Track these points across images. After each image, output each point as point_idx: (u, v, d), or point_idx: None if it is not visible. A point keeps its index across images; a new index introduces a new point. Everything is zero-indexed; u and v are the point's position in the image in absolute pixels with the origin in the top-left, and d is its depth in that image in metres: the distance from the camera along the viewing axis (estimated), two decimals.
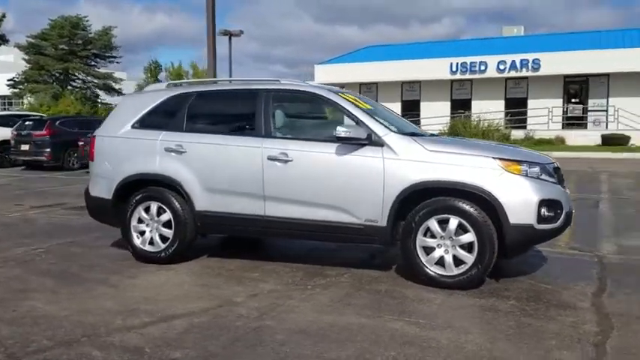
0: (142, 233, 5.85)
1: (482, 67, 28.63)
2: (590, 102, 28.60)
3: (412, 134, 5.42)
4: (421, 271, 4.92)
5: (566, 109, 28.91)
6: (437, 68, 29.33)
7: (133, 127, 5.99)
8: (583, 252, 6.32)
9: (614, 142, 24.82)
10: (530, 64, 27.81)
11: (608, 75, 27.74)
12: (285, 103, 5.74)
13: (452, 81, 30.15)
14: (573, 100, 29.13)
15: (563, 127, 28.08)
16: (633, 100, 27.53)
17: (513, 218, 4.68)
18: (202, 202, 5.58)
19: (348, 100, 5.43)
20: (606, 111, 28.10)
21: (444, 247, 4.87)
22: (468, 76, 29.16)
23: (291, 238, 6.16)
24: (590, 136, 26.30)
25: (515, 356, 3.50)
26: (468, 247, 4.80)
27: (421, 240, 4.92)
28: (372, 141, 5.06)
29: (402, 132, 5.32)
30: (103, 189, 6.01)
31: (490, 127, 24.20)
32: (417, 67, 29.65)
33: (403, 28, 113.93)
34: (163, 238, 5.77)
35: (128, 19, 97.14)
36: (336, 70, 32.01)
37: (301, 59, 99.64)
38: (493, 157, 4.84)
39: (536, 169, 4.86)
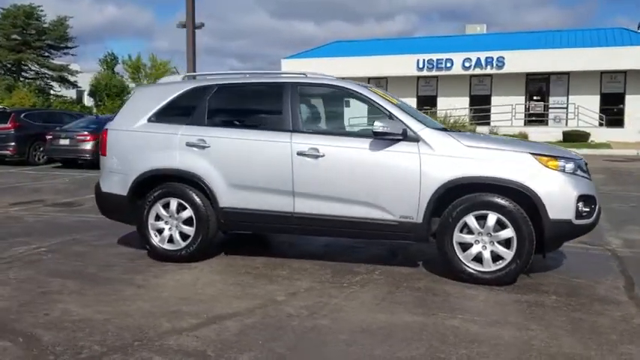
0: (160, 231, 5.62)
1: (449, 64, 29.06)
2: (551, 99, 29.47)
3: (443, 130, 5.39)
4: (458, 268, 4.90)
5: (529, 106, 29.67)
6: (404, 64, 29.60)
7: (149, 120, 5.74)
8: (594, 246, 6.45)
9: (574, 138, 25.64)
10: (494, 62, 28.41)
11: (568, 73, 28.62)
12: (313, 97, 5.63)
13: (418, 77, 30.51)
14: (535, 98, 29.93)
15: (525, 124, 28.85)
16: (591, 97, 28.54)
17: (553, 214, 4.71)
18: (227, 198, 5.40)
19: (378, 95, 5.35)
20: (566, 108, 29.00)
21: (482, 243, 4.86)
22: (434, 72, 29.55)
23: (320, 236, 6.05)
24: (551, 132, 27.05)
25: (585, 352, 3.50)
26: (506, 243, 4.81)
27: (458, 236, 4.90)
28: (407, 136, 5.00)
29: (434, 127, 5.29)
30: (117, 185, 5.74)
31: (456, 123, 24.59)
32: (384, 63, 29.84)
33: (358, 25, 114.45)
34: (184, 236, 5.56)
35: (79, 10, 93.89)
36: (303, 65, 31.72)
37: (256, 53, 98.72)
38: (531, 153, 4.86)
39: (572, 164, 4.91)
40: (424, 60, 29.38)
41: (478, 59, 28.50)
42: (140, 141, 5.70)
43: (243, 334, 3.76)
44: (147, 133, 5.69)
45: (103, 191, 5.88)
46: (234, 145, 5.42)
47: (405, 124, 5.03)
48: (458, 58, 28.81)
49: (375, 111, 5.32)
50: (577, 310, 4.27)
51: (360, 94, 5.33)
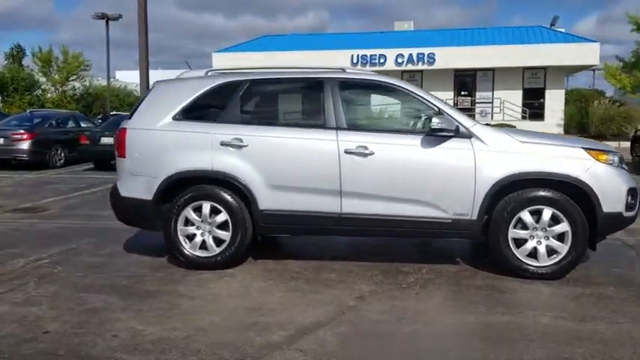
0: (190, 237, 5.24)
1: (382, 60, 29.50)
2: (478, 94, 30.67)
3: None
4: (514, 263, 4.91)
5: (457, 100, 30.70)
6: (339, 60, 29.62)
7: (174, 118, 5.32)
8: None
9: None
10: (425, 58, 29.16)
11: (493, 70, 29.89)
12: (355, 93, 5.42)
13: None
14: (463, 93, 31.04)
15: None
16: (514, 92, 30.00)
17: (606, 207, 4.82)
18: (267, 200, 5.11)
19: (425, 92, 5.26)
20: (492, 103, 30.29)
21: (537, 238, 4.90)
22: (368, 68, 29.82)
23: (366, 236, 5.88)
24: None
25: None
26: (558, 237, 4.88)
27: (513, 232, 4.91)
28: (459, 132, 4.94)
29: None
30: (140, 188, 5.29)
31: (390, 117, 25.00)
32: (320, 58, 29.70)
33: (271, 20, 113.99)
34: (217, 242, 5.22)
35: None
36: (235, 59, 31.11)
37: (166, 45, 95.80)
38: (583, 148, 4.95)
39: (617, 158, 5.04)
40: (358, 55, 29.63)
41: (410, 55, 29.13)
42: (166, 141, 5.27)
43: (344, 345, 3.56)
44: (174, 132, 5.27)
45: (123, 196, 5.39)
46: (276, 144, 5.13)
47: (456, 120, 4.96)
48: (391, 54, 29.31)
49: (412, 107, 5.24)
50: None
51: (407, 89, 5.20)
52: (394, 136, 5.08)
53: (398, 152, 5.00)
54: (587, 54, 28.68)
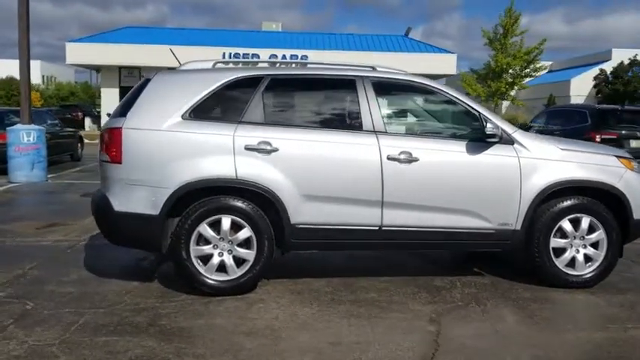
0: (205, 258, 4.42)
1: (255, 60, 28.84)
2: None
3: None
4: (552, 273, 4.79)
5: None
6: (210, 57, 28.47)
7: (184, 117, 4.44)
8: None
9: None
10: (299, 60, 29.08)
11: None
12: (390, 94, 4.95)
13: None
14: None
15: None
16: None
17: (637, 214, 4.90)
18: (300, 213, 4.46)
19: (463, 95, 4.96)
20: None
21: (575, 246, 4.85)
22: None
23: (407, 249, 5.41)
24: None
25: None
26: (594, 245, 4.87)
27: (553, 241, 4.79)
28: (502, 139, 4.73)
29: None
30: (143, 202, 4.33)
31: None
32: (189, 54, 28.12)
33: (104, 11, 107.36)
34: (238, 261, 4.46)
35: None
36: (92, 50, 28.64)
37: None
38: (616, 156, 4.99)
39: (638, 165, 5.17)
40: (231, 54, 28.70)
41: (284, 56, 28.81)
42: (177, 144, 4.38)
43: None
44: (186, 134, 4.39)
45: (118, 211, 4.37)
46: (310, 149, 4.49)
47: (498, 125, 4.74)
48: (264, 53, 28.74)
49: (452, 110, 4.94)
50: None
51: (446, 92, 4.85)
52: (438, 142, 4.73)
53: (444, 159, 4.65)
54: (445, 64, 30.76)
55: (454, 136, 4.86)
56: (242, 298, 4.43)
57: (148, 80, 4.68)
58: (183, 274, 4.44)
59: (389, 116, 4.83)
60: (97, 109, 34.57)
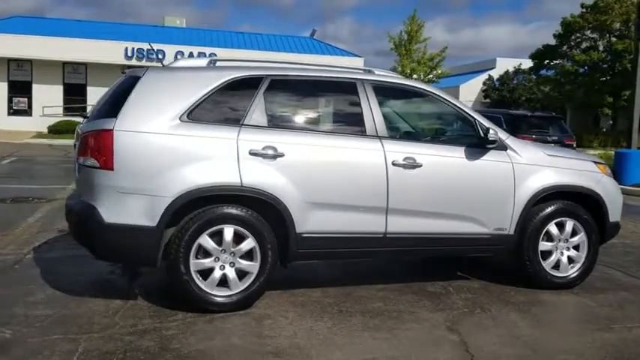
0: (205, 272, 4.08)
1: (161, 56, 27.52)
2: None
3: None
4: (542, 275, 4.92)
5: None
6: (109, 51, 26.98)
7: (182, 120, 4.05)
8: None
9: None
10: (208, 57, 28.27)
11: None
12: (390, 98, 4.85)
13: (127, 66, 28.14)
14: None
15: None
16: None
17: (612, 217, 5.16)
18: (307, 221, 4.24)
19: (457, 100, 4.95)
20: None
21: (560, 249, 5.01)
22: (145, 62, 27.69)
23: (410, 257, 5.26)
24: None
25: None
26: (576, 247, 5.07)
27: (541, 244, 4.93)
28: (498, 144, 4.79)
29: None
30: (137, 212, 3.90)
31: None
32: (85, 48, 26.65)
33: None
34: (241, 274, 4.16)
35: None
36: None
37: None
38: (594, 162, 5.22)
39: (609, 170, 5.45)
40: (134, 49, 27.29)
41: (191, 53, 27.88)
42: (175, 148, 3.99)
43: None
44: (185, 137, 4.01)
45: (109, 223, 3.89)
46: (317, 154, 4.28)
47: (497, 132, 4.79)
48: (170, 50, 27.55)
49: (449, 115, 4.94)
50: None
51: (442, 97, 4.82)
52: (439, 147, 4.71)
53: (446, 164, 4.62)
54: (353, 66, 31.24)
55: (455, 142, 4.86)
56: (245, 313, 4.13)
57: (134, 77, 4.24)
58: (181, 291, 4.06)
59: (389, 120, 4.73)
60: None
